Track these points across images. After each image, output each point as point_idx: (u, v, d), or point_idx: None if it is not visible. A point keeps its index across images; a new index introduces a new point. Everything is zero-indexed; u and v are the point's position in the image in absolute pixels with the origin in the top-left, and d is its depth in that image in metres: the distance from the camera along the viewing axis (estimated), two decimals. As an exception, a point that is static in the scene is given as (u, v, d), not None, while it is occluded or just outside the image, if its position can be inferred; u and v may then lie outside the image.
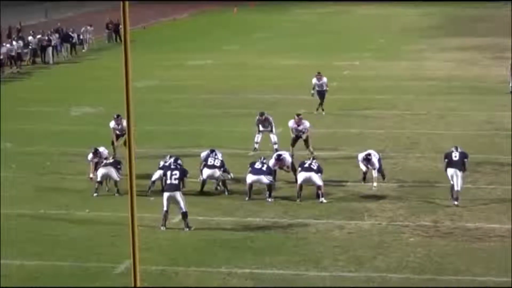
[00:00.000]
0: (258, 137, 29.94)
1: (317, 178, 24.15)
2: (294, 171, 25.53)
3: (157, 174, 24.74)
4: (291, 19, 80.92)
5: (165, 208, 21.98)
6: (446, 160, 24.12)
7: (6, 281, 18.48)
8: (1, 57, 48.91)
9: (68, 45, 57.36)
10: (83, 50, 58.39)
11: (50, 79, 47.84)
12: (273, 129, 29.93)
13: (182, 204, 21.92)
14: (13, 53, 50.79)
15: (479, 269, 19.33)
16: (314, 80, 37.06)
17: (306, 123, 29.05)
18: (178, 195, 22.03)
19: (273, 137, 29.72)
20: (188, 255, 20.44)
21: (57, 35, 56.84)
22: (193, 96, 41.16)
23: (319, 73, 37.31)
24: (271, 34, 68.56)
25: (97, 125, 33.61)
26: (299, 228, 22.24)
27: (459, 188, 23.56)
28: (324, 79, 36.97)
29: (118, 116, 28.23)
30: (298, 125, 28.94)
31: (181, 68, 50.54)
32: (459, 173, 23.55)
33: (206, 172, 25.03)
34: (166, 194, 22.15)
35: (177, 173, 22.53)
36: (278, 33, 69.29)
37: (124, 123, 25.83)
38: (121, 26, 10.70)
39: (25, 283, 18.58)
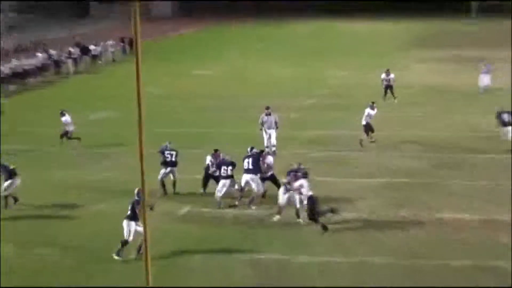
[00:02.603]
0: (266, 139, 29.66)
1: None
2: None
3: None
4: (285, 32, 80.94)
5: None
6: None
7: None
8: (27, 68, 49.17)
9: (88, 57, 57.56)
10: (100, 62, 58.42)
11: (70, 87, 47.90)
12: (277, 127, 29.75)
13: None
14: (39, 65, 51.06)
15: (452, 255, 19.46)
16: (383, 75, 41.17)
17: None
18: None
19: (274, 139, 29.59)
20: (198, 242, 20.63)
21: (77, 48, 56.99)
22: (197, 101, 41.22)
23: (388, 70, 41.43)
24: (267, 46, 68.60)
25: (114, 128, 33.83)
26: (291, 216, 22.35)
27: None
28: (392, 75, 41.11)
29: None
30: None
31: (187, 76, 50.63)
32: None
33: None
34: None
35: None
36: (273, 45, 69.32)
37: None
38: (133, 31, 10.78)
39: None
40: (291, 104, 38.19)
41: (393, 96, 40.59)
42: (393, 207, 23.41)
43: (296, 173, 22.10)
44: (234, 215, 22.80)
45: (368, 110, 31.98)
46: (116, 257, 19.23)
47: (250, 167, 23.48)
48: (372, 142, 31.40)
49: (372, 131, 31.49)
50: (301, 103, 38.68)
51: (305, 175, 21.93)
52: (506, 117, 31.92)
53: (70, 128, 31.75)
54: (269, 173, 24.11)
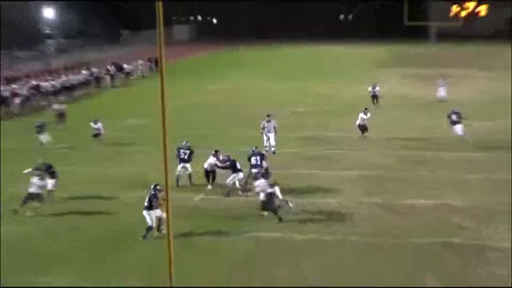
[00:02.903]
0: (265, 141, 29.41)
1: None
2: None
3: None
4: (281, 55, 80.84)
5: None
6: None
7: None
8: (74, 83, 49.43)
9: (122, 74, 57.70)
10: (132, 78, 58.46)
11: (108, 98, 47.92)
12: (275, 132, 29.45)
13: None
14: (83, 80, 51.29)
15: (415, 234, 19.47)
16: (370, 88, 41.57)
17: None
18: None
19: (273, 141, 29.37)
20: (208, 222, 20.64)
21: (113, 67, 57.15)
22: (210, 110, 41.18)
23: (374, 84, 41.84)
24: (266, 66, 68.55)
25: (143, 132, 33.82)
26: (285, 204, 22.35)
27: None
28: (377, 88, 41.57)
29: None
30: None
31: (202, 90, 50.64)
32: None
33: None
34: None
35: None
36: (271, 66, 69.24)
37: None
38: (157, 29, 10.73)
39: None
40: (285, 111, 38.11)
41: (377, 103, 40.68)
42: (368, 195, 23.43)
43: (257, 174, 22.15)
44: (239, 201, 22.76)
45: (361, 115, 32.41)
46: (143, 239, 19.22)
47: (258, 163, 23.54)
48: (363, 138, 31.98)
49: (366, 130, 32.17)
50: (293, 110, 38.63)
51: (265, 175, 21.68)
52: (454, 117, 32.41)
53: (101, 131, 31.83)
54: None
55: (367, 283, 16.34)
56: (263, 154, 24.44)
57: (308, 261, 17.66)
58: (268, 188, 20.87)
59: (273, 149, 29.04)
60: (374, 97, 41.17)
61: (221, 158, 23.96)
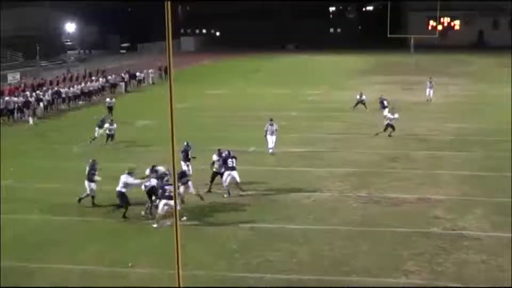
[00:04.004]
0: (268, 141, 28.78)
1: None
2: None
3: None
4: (276, 63, 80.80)
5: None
6: None
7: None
8: (91, 89, 49.37)
9: (135, 81, 57.62)
10: (143, 84, 58.37)
11: (122, 103, 47.76)
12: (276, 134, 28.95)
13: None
14: (100, 86, 51.21)
15: (397, 224, 19.40)
16: (358, 96, 40.79)
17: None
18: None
19: (273, 143, 28.75)
20: (208, 213, 20.56)
21: (127, 75, 57.05)
22: (211, 113, 41.08)
23: (361, 92, 41.22)
24: (260, 74, 68.47)
25: (153, 132, 33.74)
26: (280, 196, 22.29)
27: None
28: (364, 96, 40.93)
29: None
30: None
31: (205, 95, 50.54)
32: None
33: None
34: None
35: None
36: (267, 73, 69.26)
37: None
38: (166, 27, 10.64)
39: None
40: (279, 115, 37.97)
41: (365, 108, 40.31)
42: (353, 189, 23.35)
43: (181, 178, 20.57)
44: (237, 196, 22.65)
45: (388, 115, 32.69)
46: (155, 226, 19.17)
47: (234, 165, 22.48)
48: (390, 136, 32.06)
49: (393, 129, 32.13)
50: (286, 114, 38.46)
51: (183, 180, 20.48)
52: (386, 103, 35.37)
53: (112, 132, 31.60)
54: None
55: (353, 266, 16.28)
56: (236, 157, 22.90)
57: (301, 248, 17.59)
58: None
59: (271, 150, 28.78)
60: (362, 103, 40.75)
61: (223, 154, 23.07)
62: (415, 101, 44.04)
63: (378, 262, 16.57)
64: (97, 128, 31.78)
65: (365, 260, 16.74)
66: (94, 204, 21.25)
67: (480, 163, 26.93)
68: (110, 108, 40.09)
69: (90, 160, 21.88)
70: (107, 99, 41.79)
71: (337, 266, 16.40)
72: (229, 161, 22.46)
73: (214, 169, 23.03)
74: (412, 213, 20.46)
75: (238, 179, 22.46)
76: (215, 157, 23.08)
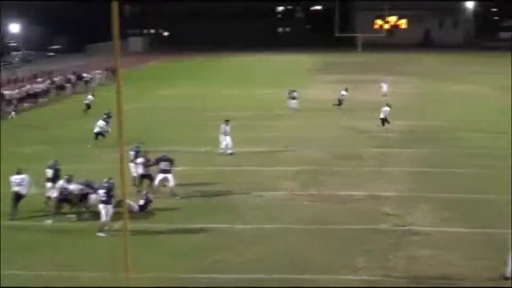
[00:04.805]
0: (223, 142, 28.65)
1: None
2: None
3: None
4: (226, 64, 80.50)
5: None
6: None
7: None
8: (37, 91, 48.46)
9: (81, 82, 56.87)
10: (91, 85, 57.60)
11: (69, 104, 47.04)
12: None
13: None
14: (46, 88, 50.31)
15: (347, 221, 19.63)
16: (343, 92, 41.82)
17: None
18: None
19: (230, 143, 28.69)
20: (159, 215, 20.46)
21: (74, 76, 56.28)
22: (162, 113, 40.84)
23: (346, 88, 42.64)
24: (213, 74, 68.25)
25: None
26: (231, 196, 22.34)
27: None
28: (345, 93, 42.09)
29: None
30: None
31: (153, 96, 50.16)
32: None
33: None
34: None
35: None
36: (218, 73, 69.07)
37: None
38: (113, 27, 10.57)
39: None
40: (231, 115, 37.84)
41: (338, 105, 41.13)
42: (304, 187, 23.52)
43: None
44: (188, 197, 22.57)
45: (383, 109, 34.04)
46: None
47: (167, 168, 22.21)
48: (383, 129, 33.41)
49: (388, 122, 33.64)
50: (238, 114, 38.37)
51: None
52: (295, 94, 39.35)
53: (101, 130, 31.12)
54: None
55: (305, 264, 16.42)
56: (172, 160, 22.53)
57: (252, 247, 17.65)
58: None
59: (230, 151, 28.62)
60: (340, 101, 41.33)
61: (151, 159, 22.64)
62: (364, 99, 44.53)
63: (329, 260, 16.74)
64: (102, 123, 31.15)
65: (316, 258, 16.90)
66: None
67: (428, 159, 27.46)
68: (88, 106, 40.78)
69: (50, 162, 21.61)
70: (89, 96, 42.25)
71: (289, 264, 16.51)
72: (162, 164, 22.19)
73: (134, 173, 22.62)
74: (362, 210, 20.74)
75: (172, 182, 22.23)
76: (135, 159, 22.86)
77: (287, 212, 20.65)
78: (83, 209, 20.43)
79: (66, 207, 20.40)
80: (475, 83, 53.38)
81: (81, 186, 20.34)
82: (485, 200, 21.57)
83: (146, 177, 22.75)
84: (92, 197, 20.05)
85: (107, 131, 31.09)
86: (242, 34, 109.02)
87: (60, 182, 20.44)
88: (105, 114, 32.06)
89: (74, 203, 20.35)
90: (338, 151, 29.18)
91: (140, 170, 22.65)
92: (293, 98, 40.68)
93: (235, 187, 23.47)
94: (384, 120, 33.64)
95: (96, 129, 30.90)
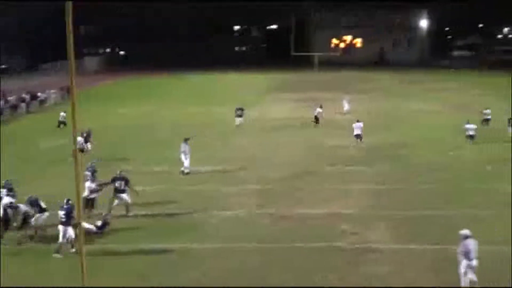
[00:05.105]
0: (184, 161, 28.40)
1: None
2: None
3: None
4: (183, 82, 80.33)
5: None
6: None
7: None
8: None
9: (36, 102, 56.17)
10: (46, 105, 56.94)
11: (23, 124, 46.34)
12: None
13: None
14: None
15: (307, 239, 19.65)
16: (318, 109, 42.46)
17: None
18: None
19: (187, 163, 28.47)
20: (115, 235, 20.21)
21: (28, 95, 55.60)
22: (119, 132, 40.50)
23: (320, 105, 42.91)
24: (171, 92, 67.97)
25: (56, 150, 32.86)
26: (190, 216, 22.16)
27: None
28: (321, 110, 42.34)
29: None
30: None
31: (113, 114, 49.74)
32: None
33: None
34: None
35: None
36: (176, 92, 68.78)
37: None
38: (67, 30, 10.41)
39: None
40: (189, 133, 37.90)
41: (315, 122, 41.68)
42: (263, 206, 23.48)
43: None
44: (144, 217, 22.35)
45: (354, 125, 34.88)
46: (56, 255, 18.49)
47: (123, 188, 22.16)
48: (359, 145, 34.13)
49: (360, 139, 34.54)
50: (197, 132, 38.20)
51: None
52: (241, 112, 40.43)
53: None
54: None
55: (265, 283, 16.36)
56: (127, 179, 22.47)
57: (212, 267, 17.54)
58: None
59: (186, 170, 28.49)
60: (316, 118, 41.88)
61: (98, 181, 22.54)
62: (326, 117, 44.72)
63: (287, 278, 16.71)
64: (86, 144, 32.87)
65: (274, 277, 16.85)
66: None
67: (387, 176, 27.69)
68: (63, 123, 41.94)
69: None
70: (61, 113, 42.83)
71: (249, 283, 16.43)
72: (117, 182, 22.10)
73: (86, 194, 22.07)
74: (321, 228, 20.77)
75: (128, 200, 22.24)
76: (89, 181, 22.48)
77: (245, 231, 20.57)
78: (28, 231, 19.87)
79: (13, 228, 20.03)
80: (429, 101, 54.32)
81: (26, 208, 19.82)
82: (439, 215, 21.82)
83: (90, 200, 22.16)
84: (40, 216, 19.62)
85: (88, 149, 32.59)
86: (199, 53, 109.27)
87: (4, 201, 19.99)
88: (85, 132, 33.07)
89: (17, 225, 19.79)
90: (298, 169, 29.23)
91: (86, 193, 22.06)
92: (239, 116, 41.44)
93: (193, 206, 23.30)
94: (359, 136, 34.44)
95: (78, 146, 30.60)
